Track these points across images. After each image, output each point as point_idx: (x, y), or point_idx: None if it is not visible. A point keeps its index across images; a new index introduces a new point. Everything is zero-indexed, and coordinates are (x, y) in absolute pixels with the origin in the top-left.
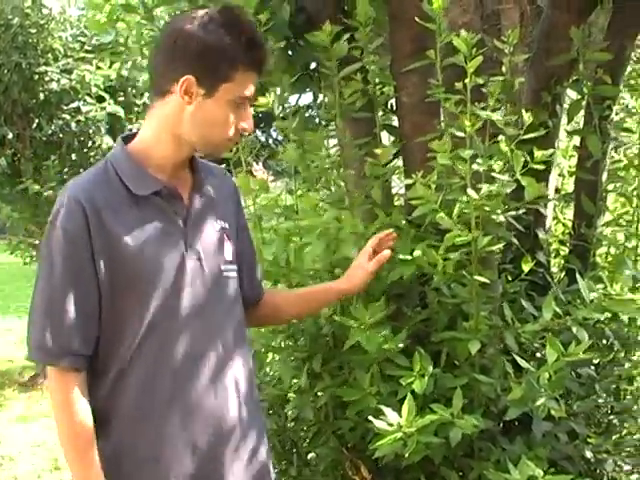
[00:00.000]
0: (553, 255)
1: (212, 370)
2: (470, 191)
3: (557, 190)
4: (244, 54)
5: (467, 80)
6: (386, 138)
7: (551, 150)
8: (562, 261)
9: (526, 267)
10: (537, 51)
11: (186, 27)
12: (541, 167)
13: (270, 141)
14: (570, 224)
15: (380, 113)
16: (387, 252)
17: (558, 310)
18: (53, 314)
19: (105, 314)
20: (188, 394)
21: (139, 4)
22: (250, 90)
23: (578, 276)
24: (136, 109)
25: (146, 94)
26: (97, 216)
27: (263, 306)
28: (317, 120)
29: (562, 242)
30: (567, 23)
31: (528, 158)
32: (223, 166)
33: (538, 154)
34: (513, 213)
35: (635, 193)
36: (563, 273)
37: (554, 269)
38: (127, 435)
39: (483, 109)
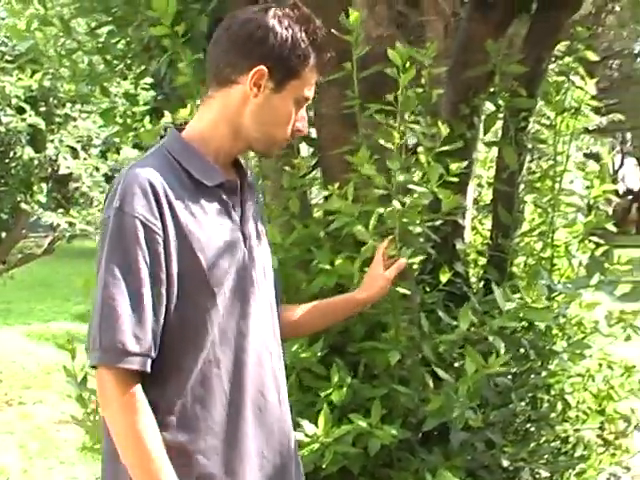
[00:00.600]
0: (472, 265)
1: (275, 378)
2: (395, 202)
3: (476, 201)
4: (314, 53)
5: (399, 92)
6: (306, 150)
7: (465, 162)
8: (480, 271)
9: (444, 278)
10: (455, 63)
11: (263, 19)
12: (455, 179)
13: None
14: (488, 234)
15: None
16: (403, 260)
17: (474, 320)
18: (129, 311)
19: (171, 313)
20: (263, 404)
21: (55, 15)
22: (312, 91)
23: (494, 286)
24: (57, 120)
25: (68, 104)
26: (170, 205)
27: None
28: None
29: (480, 252)
30: (484, 35)
31: (444, 170)
32: None
33: (453, 166)
34: (431, 224)
35: (550, 204)
36: (481, 283)
37: (473, 279)
38: (199, 445)
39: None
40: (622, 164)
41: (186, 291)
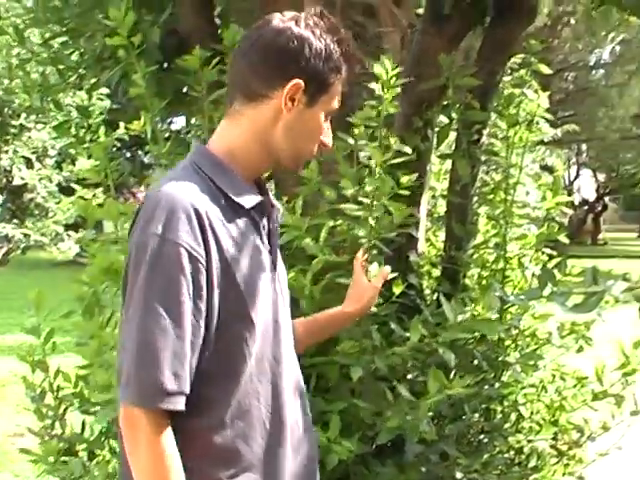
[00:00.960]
0: (426, 277)
1: (304, 405)
2: (345, 216)
3: (430, 213)
4: (343, 65)
5: (381, 107)
6: None
7: (416, 175)
8: (434, 283)
9: (397, 290)
10: (409, 76)
11: (297, 30)
12: (406, 192)
13: (141, 165)
14: (442, 246)
15: None
16: (388, 268)
17: (425, 332)
18: (169, 347)
19: (208, 344)
20: (299, 434)
21: (9, 25)
22: (338, 103)
23: (443, 298)
24: (12, 130)
25: (23, 115)
26: (212, 230)
27: None
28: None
29: (434, 264)
30: (438, 48)
31: (394, 183)
32: (101, 189)
33: (404, 179)
34: (384, 236)
35: (502, 216)
36: (435, 295)
37: (427, 291)
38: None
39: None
40: (578, 175)
41: (225, 321)
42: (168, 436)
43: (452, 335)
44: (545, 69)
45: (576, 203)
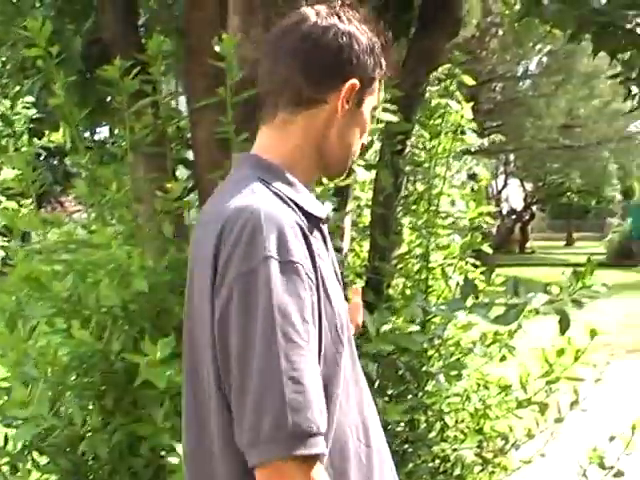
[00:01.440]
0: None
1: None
2: None
3: (355, 223)
4: (384, 60)
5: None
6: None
7: (331, 184)
8: None
9: None
10: None
11: (341, 26)
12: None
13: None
14: (367, 256)
15: (176, 147)
16: (358, 285)
17: None
18: (313, 381)
19: None
20: (383, 445)
21: None
22: (378, 100)
23: (365, 310)
24: None
25: None
26: (309, 247)
27: None
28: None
29: (358, 275)
30: None
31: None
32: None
33: (318, 190)
34: None
35: (425, 226)
36: None
37: None
38: None
39: None
40: (505, 184)
41: (326, 344)
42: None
43: (374, 347)
44: (469, 80)
45: (504, 212)
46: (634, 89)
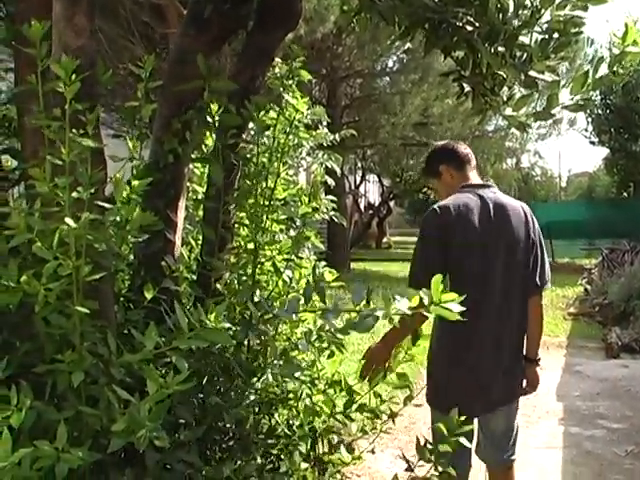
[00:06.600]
0: (185, 282)
1: None
2: (68, 220)
3: (191, 217)
4: None
5: (67, 106)
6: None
7: (149, 179)
8: (189, 288)
9: (148, 295)
10: (168, 77)
11: None
12: (137, 198)
13: None
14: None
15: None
16: None
17: (159, 340)
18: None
19: None
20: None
21: None
22: None
23: (177, 305)
24: None
25: None
26: None
27: None
28: None
29: (190, 268)
30: (197, 51)
31: (127, 187)
32: None
33: (136, 183)
34: (134, 240)
35: (256, 221)
36: (192, 300)
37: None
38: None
39: (84, 135)
40: (363, 180)
41: None
42: None
43: (184, 343)
44: (306, 75)
45: (362, 207)
46: (467, 87)
